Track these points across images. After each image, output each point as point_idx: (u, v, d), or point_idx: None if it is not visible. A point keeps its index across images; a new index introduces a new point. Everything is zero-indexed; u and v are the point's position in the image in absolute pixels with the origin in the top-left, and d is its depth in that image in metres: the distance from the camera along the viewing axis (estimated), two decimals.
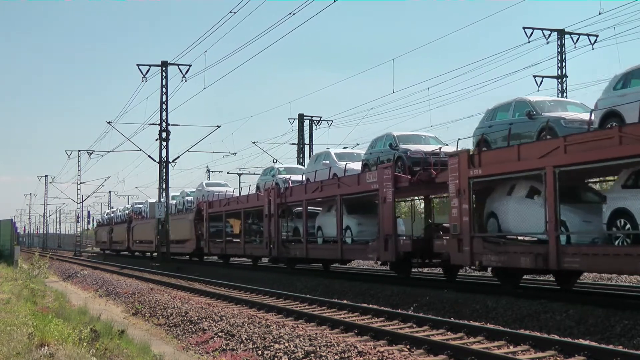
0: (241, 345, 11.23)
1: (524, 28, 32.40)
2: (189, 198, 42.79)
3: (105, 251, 67.34)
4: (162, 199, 39.91)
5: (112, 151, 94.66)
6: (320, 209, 25.72)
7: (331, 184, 23.18)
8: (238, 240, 32.88)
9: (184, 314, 15.03)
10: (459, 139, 18.28)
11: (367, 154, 22.65)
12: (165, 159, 39.42)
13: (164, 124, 38.92)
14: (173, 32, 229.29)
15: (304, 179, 26.46)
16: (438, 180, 18.38)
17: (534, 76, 34.61)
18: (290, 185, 26.89)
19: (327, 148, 27.86)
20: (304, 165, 48.31)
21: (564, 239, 13.79)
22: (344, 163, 23.51)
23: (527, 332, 10.98)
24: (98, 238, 74.19)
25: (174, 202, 44.84)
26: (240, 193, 35.08)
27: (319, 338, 10.65)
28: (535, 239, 15.21)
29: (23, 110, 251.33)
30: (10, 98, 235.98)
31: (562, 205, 13.78)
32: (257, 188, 30.65)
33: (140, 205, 56.79)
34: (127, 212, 59.31)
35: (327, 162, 24.57)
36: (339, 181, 22.58)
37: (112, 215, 67.17)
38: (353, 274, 25.26)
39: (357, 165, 22.90)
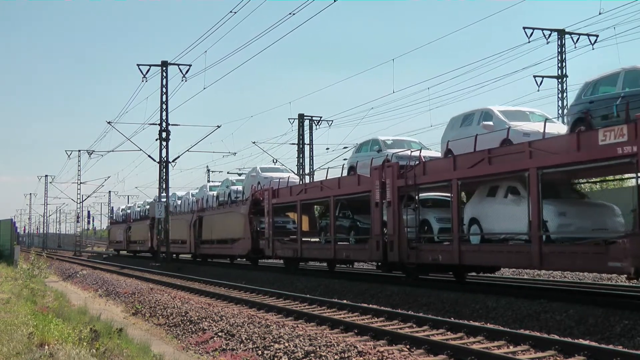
0: (241, 345, 11.23)
1: (524, 28, 32.46)
2: (237, 187, 35.48)
3: (120, 252, 62.63)
4: (162, 199, 39.88)
5: (112, 151, 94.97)
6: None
7: (511, 153, 15.31)
8: (317, 239, 25.47)
9: (184, 314, 15.03)
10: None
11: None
12: (165, 159, 39.42)
13: (164, 124, 38.92)
14: (173, 32, 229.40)
15: (444, 149, 18.63)
16: None
17: (534, 76, 34.67)
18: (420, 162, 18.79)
19: (487, 108, 17.75)
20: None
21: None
22: (519, 123, 16.55)
23: (527, 332, 10.97)
24: (112, 237, 65.63)
25: (212, 193, 38.85)
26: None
27: (318, 338, 10.65)
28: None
29: (23, 110, 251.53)
30: (10, 98, 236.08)
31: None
32: (351, 169, 23.40)
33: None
34: (149, 207, 52.33)
35: (490, 122, 17.12)
36: (530, 147, 14.62)
37: (129, 211, 61.53)
38: (353, 274, 25.26)
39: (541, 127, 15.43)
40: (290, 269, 27.50)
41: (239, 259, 37.02)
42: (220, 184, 39.88)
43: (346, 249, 22.72)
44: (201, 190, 41.70)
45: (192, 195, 43.90)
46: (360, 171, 22.07)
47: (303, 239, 26.21)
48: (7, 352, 8.53)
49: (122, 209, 64.57)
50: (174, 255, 43.98)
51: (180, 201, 46.04)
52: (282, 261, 29.70)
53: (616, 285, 19.32)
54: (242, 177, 38.43)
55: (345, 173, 23.88)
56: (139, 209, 55.86)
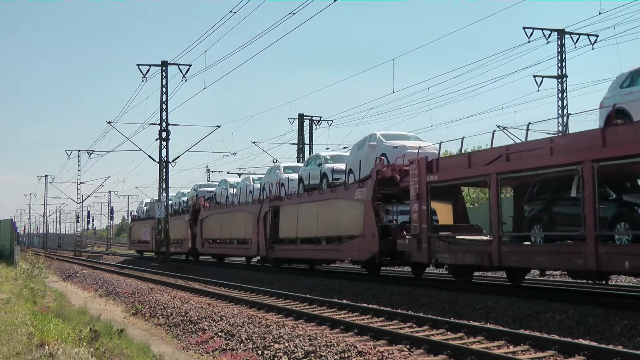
0: (241, 345, 11.23)
1: (524, 28, 32.41)
2: (335, 166, 24.79)
3: (144, 253, 53.29)
4: (162, 199, 39.88)
5: (112, 151, 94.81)
6: None
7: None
8: (481, 237, 17.99)
9: (184, 314, 15.02)
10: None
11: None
12: (165, 158, 39.41)
13: (164, 124, 38.91)
14: (173, 32, 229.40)
15: None
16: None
17: (534, 76, 34.63)
18: None
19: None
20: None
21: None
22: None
23: (527, 332, 10.97)
24: (134, 237, 55.69)
25: (289, 176, 28.60)
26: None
27: (318, 338, 10.65)
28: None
29: (23, 111, 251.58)
30: (11, 98, 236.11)
31: None
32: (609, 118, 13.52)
33: (211, 189, 40.20)
34: (185, 198, 43.48)
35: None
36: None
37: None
38: (353, 274, 25.25)
39: None
40: (460, 281, 18.04)
41: (348, 264, 26.58)
42: (296, 165, 31.00)
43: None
44: (272, 174, 30.60)
45: (255, 181, 33.18)
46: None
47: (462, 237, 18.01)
48: (7, 352, 8.53)
49: (148, 203, 53.63)
50: (208, 256, 39.61)
51: (234, 189, 35.22)
52: (440, 270, 21.50)
53: (616, 285, 19.31)
54: (331, 153, 27.77)
55: None
56: (171, 201, 45.33)
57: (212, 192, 39.26)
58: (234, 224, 33.06)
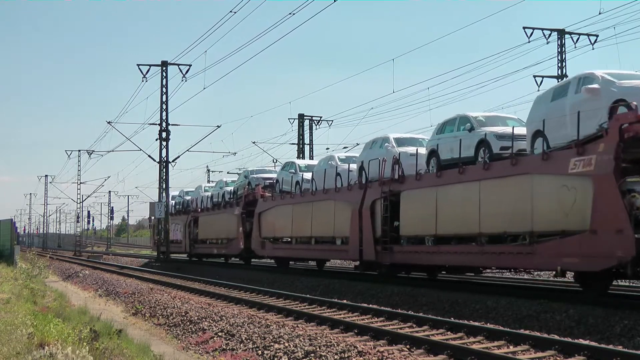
0: (241, 345, 11.23)
1: (524, 28, 32.42)
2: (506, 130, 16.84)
3: (170, 255, 43.28)
4: (162, 199, 39.90)
5: (112, 151, 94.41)
6: None
7: None
8: None
9: (184, 314, 15.03)
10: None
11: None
12: (165, 158, 39.44)
13: (164, 124, 38.94)
14: (173, 32, 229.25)
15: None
16: None
17: (534, 76, 34.62)
18: None
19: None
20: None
21: None
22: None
23: (527, 332, 10.97)
24: (155, 235, 45.95)
25: (407, 150, 20.36)
26: None
27: (318, 338, 10.65)
28: None
29: (24, 111, 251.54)
30: (11, 98, 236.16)
31: None
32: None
33: (270, 175, 32.36)
34: (230, 188, 35.16)
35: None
36: None
37: (187, 197, 43.07)
38: (353, 274, 25.26)
39: None
40: None
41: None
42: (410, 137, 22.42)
43: None
44: (378, 147, 21.85)
45: (341, 160, 25.05)
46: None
47: None
48: (7, 352, 8.53)
49: (177, 196, 45.80)
50: (270, 259, 32.10)
51: (305, 174, 27.43)
52: None
53: (616, 286, 19.30)
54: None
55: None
56: (208, 192, 38.02)
57: (271, 178, 31.38)
58: (317, 217, 24.56)
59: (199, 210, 38.76)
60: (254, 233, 29.91)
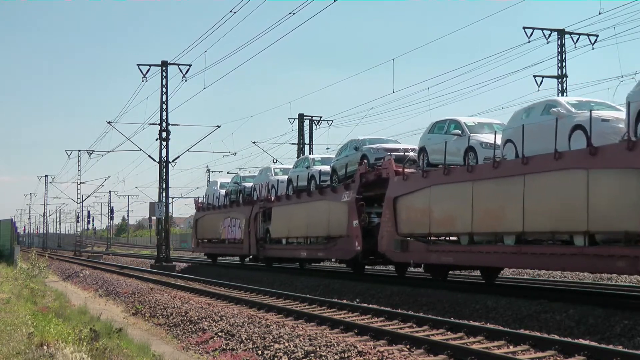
0: (241, 345, 11.23)
1: (524, 28, 32.38)
2: None
3: (218, 258, 38.39)
4: (162, 199, 39.87)
5: (112, 151, 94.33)
6: None
7: None
8: None
9: (184, 314, 15.03)
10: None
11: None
12: (165, 159, 39.38)
13: (164, 124, 38.87)
14: (173, 32, 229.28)
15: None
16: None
17: (534, 76, 34.60)
18: None
19: None
20: None
21: None
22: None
23: (527, 332, 10.97)
24: (204, 233, 37.77)
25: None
26: None
27: (318, 338, 10.65)
28: None
29: (24, 111, 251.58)
30: (11, 98, 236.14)
31: None
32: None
33: (397, 145, 22.40)
34: (328, 167, 24.93)
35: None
36: None
37: (248, 184, 32.32)
38: (353, 274, 25.25)
39: None
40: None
41: None
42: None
43: None
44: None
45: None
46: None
47: None
48: (7, 352, 8.53)
49: (230, 183, 35.35)
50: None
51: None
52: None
53: (616, 285, 19.32)
54: None
55: None
56: (281, 176, 28.85)
57: (401, 150, 21.25)
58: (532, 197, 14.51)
59: (271, 199, 28.39)
60: (385, 228, 19.75)
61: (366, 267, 24.91)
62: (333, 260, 26.64)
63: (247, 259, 35.13)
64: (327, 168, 24.81)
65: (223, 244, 34.74)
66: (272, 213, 28.32)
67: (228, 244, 33.84)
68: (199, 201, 40.11)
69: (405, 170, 19.55)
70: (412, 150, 20.92)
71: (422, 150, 19.30)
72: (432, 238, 18.27)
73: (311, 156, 26.19)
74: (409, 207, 19.04)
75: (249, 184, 32.17)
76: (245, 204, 31.60)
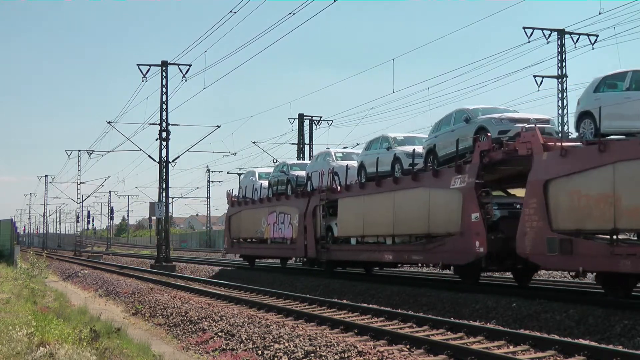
0: (241, 345, 11.23)
1: (524, 28, 32.44)
2: None
3: (255, 261, 33.05)
4: (162, 199, 39.87)
5: (112, 151, 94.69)
6: None
7: None
8: None
9: (184, 314, 15.03)
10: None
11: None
12: (165, 159, 39.38)
13: (164, 124, 38.87)
14: (173, 32, 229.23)
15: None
16: None
17: (534, 76, 34.68)
18: None
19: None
20: None
21: None
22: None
23: (527, 332, 10.98)
24: (239, 232, 32.22)
25: None
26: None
27: (318, 338, 10.65)
28: None
29: (23, 110, 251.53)
30: (11, 98, 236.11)
31: None
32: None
33: (517, 115, 17.11)
34: (426, 146, 19.29)
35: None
36: None
37: (323, 168, 24.82)
38: (352, 274, 25.26)
39: None
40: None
41: None
42: None
43: None
44: None
45: None
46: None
47: None
48: (7, 352, 8.53)
49: (275, 173, 29.31)
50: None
51: None
52: None
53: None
54: None
55: None
56: (342, 161, 24.31)
57: (535, 120, 16.13)
58: None
59: (337, 188, 23.05)
60: (530, 222, 14.84)
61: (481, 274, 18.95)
62: (431, 265, 19.97)
63: (299, 262, 32.16)
64: (415, 149, 19.64)
65: (265, 245, 29.14)
66: (338, 206, 22.93)
67: (274, 244, 28.21)
68: (232, 195, 33.90)
69: (563, 143, 14.50)
70: (545, 121, 16.53)
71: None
72: (619, 236, 13.16)
73: (392, 134, 21.05)
74: (574, 192, 13.88)
75: (299, 173, 26.97)
76: (299, 196, 25.92)
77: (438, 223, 17.72)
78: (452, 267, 18.88)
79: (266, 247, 29.37)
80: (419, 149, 19.74)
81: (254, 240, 30.82)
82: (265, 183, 29.74)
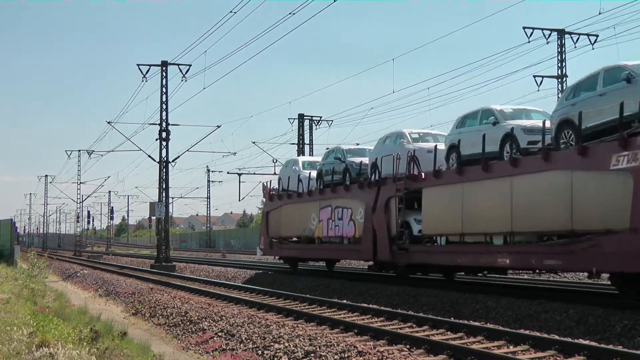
0: (241, 345, 11.23)
1: (524, 28, 32.41)
2: None
3: (298, 264, 28.52)
4: (162, 199, 39.87)
5: (112, 151, 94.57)
6: None
7: None
8: None
9: (184, 314, 15.03)
10: None
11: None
12: (165, 159, 39.37)
13: (164, 124, 38.87)
14: (173, 32, 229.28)
15: None
16: None
17: (534, 76, 34.64)
18: None
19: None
20: None
21: None
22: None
23: (527, 332, 10.98)
24: (276, 230, 27.85)
25: None
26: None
27: (318, 338, 10.65)
28: None
29: (23, 110, 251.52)
30: (11, 98, 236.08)
31: None
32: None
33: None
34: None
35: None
36: None
37: (400, 151, 19.88)
38: (353, 274, 25.26)
39: None
40: None
41: None
42: None
43: None
44: None
45: None
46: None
47: None
48: (7, 352, 8.53)
49: (330, 160, 24.57)
50: None
51: None
52: None
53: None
54: None
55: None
56: (425, 143, 20.13)
57: None
58: None
59: (421, 175, 18.77)
60: None
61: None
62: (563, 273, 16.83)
63: (351, 265, 28.51)
64: (533, 123, 15.94)
65: (314, 245, 24.74)
66: (422, 197, 18.63)
67: (327, 244, 24.01)
68: (270, 187, 29.38)
69: None
70: None
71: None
72: None
73: (496, 107, 17.17)
74: None
75: (359, 159, 22.85)
76: (364, 186, 21.38)
77: (588, 216, 13.26)
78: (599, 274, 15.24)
79: (316, 248, 24.92)
80: (537, 123, 15.66)
81: (299, 239, 26.19)
82: (312, 173, 25.55)
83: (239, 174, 58.80)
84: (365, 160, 22.31)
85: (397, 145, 20.31)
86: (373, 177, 21.09)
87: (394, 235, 19.51)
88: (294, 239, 26.71)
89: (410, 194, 19.10)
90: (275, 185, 29.14)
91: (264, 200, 30.40)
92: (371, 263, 22.71)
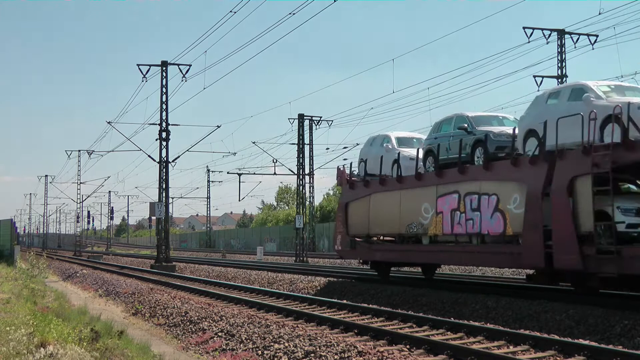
0: (241, 345, 11.23)
1: (524, 28, 32.41)
2: None
3: (429, 270, 21.51)
4: (162, 199, 39.86)
5: (112, 151, 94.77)
6: None
7: None
8: None
9: (184, 314, 15.03)
10: None
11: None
12: (165, 159, 39.36)
13: (164, 124, 38.86)
14: (173, 32, 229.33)
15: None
16: None
17: (534, 76, 34.63)
18: None
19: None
20: None
21: None
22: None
23: (527, 332, 10.98)
24: (360, 227, 21.18)
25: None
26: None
27: (318, 338, 10.65)
28: None
29: (23, 111, 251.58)
30: (11, 98, 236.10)
31: None
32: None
33: None
34: None
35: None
36: None
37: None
38: (352, 274, 25.25)
39: None
40: None
41: None
42: None
43: None
44: None
45: None
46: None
47: None
48: (7, 352, 8.53)
49: (450, 132, 17.91)
50: None
51: None
52: None
53: None
54: None
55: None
56: (620, 97, 12.96)
57: None
58: None
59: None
60: None
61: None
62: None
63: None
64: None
65: (420, 246, 18.72)
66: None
67: (452, 244, 17.53)
68: (349, 172, 22.96)
69: None
70: None
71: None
72: None
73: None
74: None
75: (500, 128, 16.76)
76: (521, 164, 14.93)
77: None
78: None
79: (428, 250, 18.52)
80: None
81: (395, 238, 20.25)
82: (411, 152, 19.74)
83: (239, 174, 58.77)
84: (506, 130, 16.46)
85: (578, 104, 13.74)
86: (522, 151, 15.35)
87: (585, 232, 13.12)
88: (392, 237, 20.48)
89: (621, 168, 12.90)
90: (359, 168, 22.52)
91: (341, 187, 24.22)
92: (531, 271, 16.31)
